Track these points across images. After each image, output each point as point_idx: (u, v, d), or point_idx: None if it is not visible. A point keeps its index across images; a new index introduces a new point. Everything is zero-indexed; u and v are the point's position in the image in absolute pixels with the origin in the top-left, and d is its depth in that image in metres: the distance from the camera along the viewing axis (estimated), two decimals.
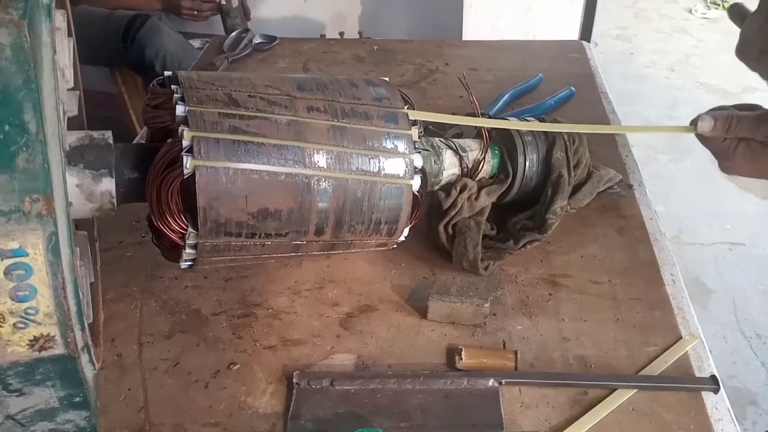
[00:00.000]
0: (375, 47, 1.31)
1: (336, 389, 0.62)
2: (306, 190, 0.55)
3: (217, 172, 0.51)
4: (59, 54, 0.48)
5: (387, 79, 0.63)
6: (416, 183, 0.58)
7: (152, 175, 0.52)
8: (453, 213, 0.75)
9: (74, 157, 0.51)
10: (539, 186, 0.79)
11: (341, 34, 2.05)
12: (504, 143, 0.79)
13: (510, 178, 0.78)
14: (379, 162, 0.57)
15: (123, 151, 0.54)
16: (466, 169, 0.76)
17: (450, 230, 0.76)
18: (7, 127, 0.37)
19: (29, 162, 0.38)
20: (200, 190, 0.51)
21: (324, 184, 0.55)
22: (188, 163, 0.50)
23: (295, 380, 0.63)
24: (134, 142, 1.00)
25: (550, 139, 0.78)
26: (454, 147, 0.76)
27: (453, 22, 2.23)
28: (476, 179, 0.77)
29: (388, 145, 0.57)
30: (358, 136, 0.57)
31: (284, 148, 0.54)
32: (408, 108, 0.60)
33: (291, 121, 0.54)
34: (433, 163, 0.73)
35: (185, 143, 0.51)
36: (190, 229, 0.53)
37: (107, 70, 1.99)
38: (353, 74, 1.19)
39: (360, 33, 2.27)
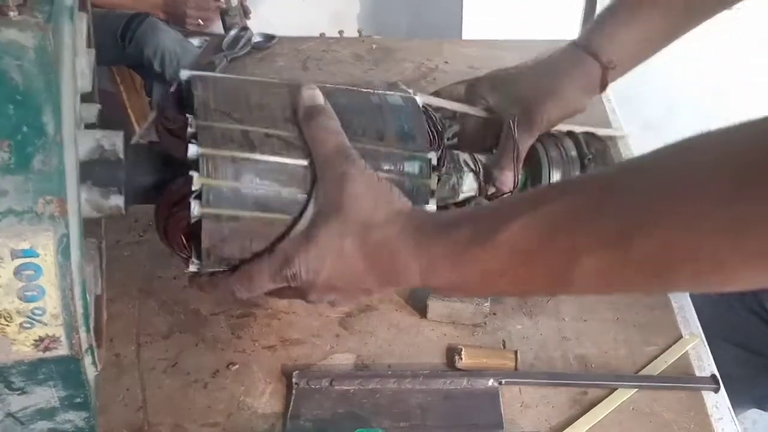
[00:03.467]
0: (374, 45, 1.30)
1: (335, 389, 0.62)
2: None
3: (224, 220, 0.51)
4: (79, 57, 0.48)
5: (411, 91, 0.61)
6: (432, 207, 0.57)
7: (161, 209, 0.52)
8: None
9: (83, 172, 0.50)
10: None
11: (340, 32, 2.05)
12: (530, 167, 0.74)
13: None
14: None
15: (134, 160, 0.53)
16: (485, 195, 0.71)
17: None
18: (25, 129, 0.37)
19: (45, 164, 0.38)
20: (206, 235, 0.50)
21: None
22: (195, 209, 0.49)
23: (294, 380, 0.63)
24: (132, 140, 0.99)
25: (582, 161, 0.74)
26: (476, 170, 0.71)
27: (453, 20, 2.23)
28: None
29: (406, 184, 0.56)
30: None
31: (297, 197, 0.52)
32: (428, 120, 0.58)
33: (307, 168, 0.53)
34: (449, 188, 0.70)
35: (194, 187, 0.50)
36: (193, 258, 0.53)
37: (105, 69, 1.98)
38: (353, 73, 1.19)
39: (359, 31, 2.27)
